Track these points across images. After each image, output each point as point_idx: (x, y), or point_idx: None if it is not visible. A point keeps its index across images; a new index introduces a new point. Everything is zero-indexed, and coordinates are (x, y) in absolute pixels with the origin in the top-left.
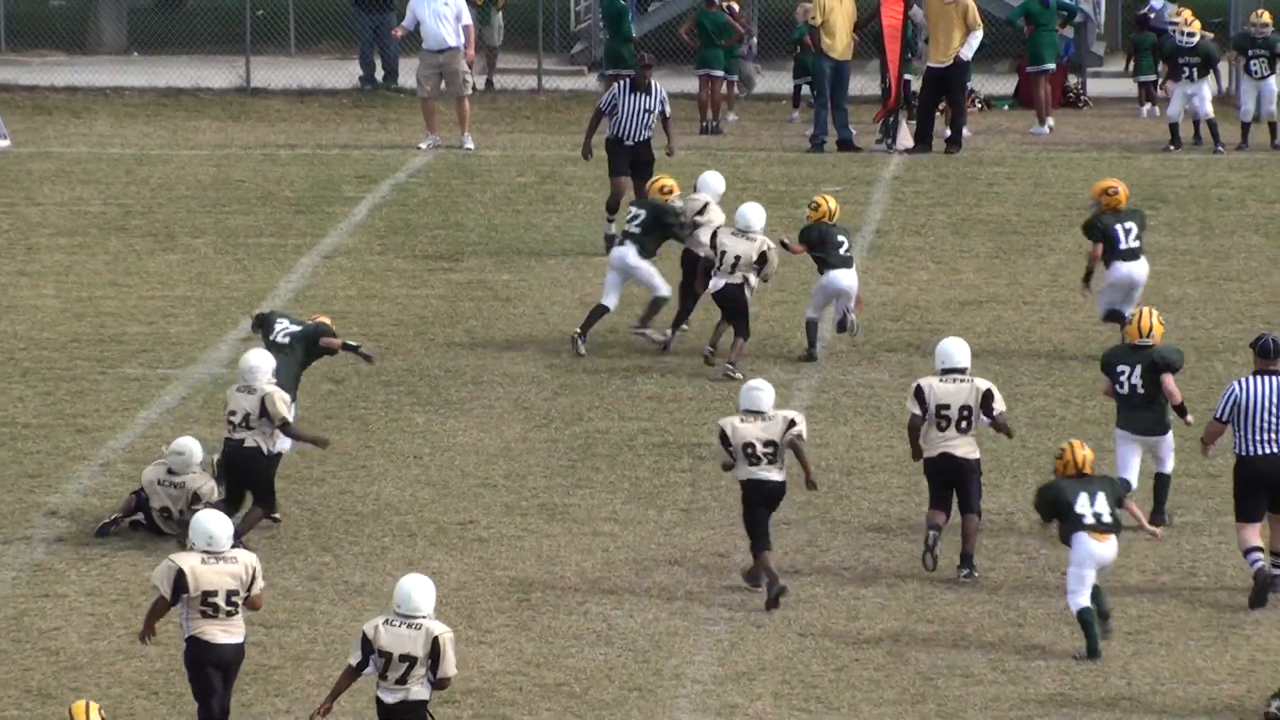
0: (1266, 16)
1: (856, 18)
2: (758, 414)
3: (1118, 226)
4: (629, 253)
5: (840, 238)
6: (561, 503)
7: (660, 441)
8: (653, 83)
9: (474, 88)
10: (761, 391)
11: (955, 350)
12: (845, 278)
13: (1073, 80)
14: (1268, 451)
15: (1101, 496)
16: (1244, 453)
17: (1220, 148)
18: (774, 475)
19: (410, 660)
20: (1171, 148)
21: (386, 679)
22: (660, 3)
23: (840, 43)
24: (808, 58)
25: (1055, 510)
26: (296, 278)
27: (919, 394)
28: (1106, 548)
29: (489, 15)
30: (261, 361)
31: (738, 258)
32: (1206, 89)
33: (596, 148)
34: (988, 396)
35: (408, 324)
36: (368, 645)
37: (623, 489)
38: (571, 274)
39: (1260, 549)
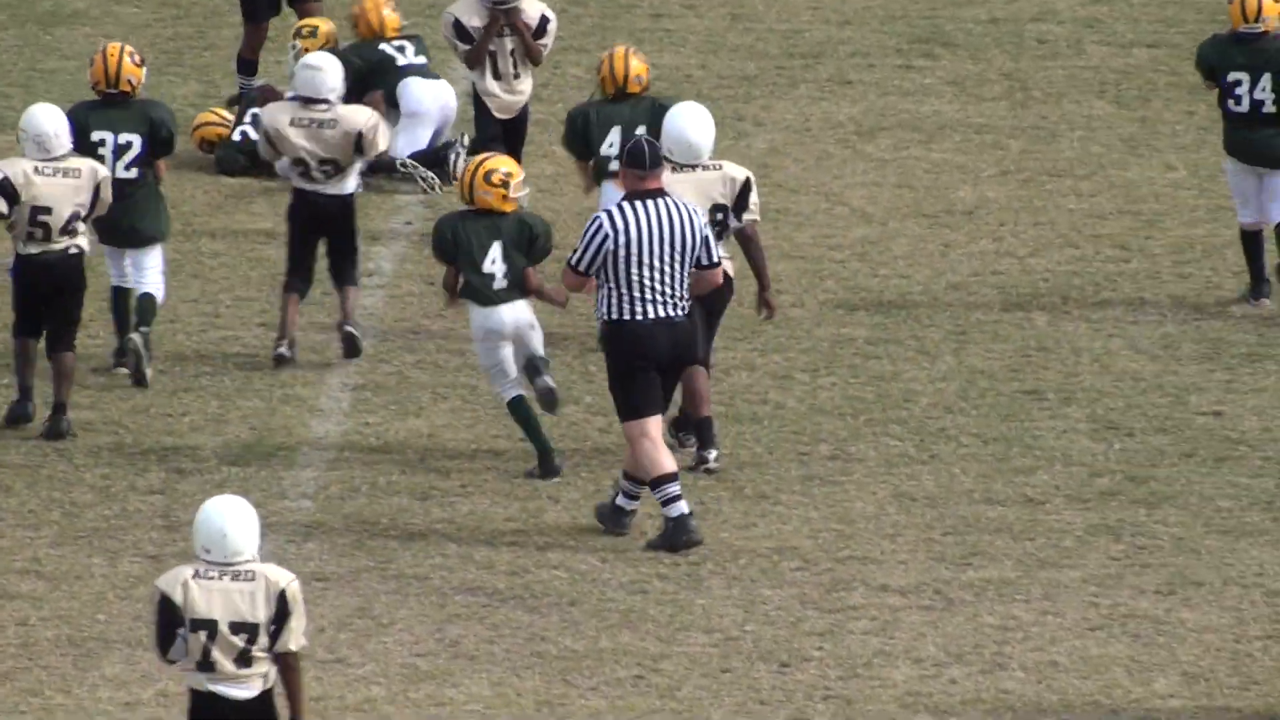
0: None
1: None
2: (318, 102)
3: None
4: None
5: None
6: None
7: (118, 442)
8: None
9: None
10: (324, 72)
11: (694, 131)
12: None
13: None
14: (662, 314)
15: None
16: (625, 316)
17: None
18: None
19: (249, 630)
20: None
21: (214, 666)
22: None
23: None
24: None
25: (581, 146)
26: None
27: None
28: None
29: None
30: (57, 123)
31: None
32: None
33: None
34: (745, 189)
35: None
36: (169, 615)
37: (52, 520)
38: None
39: (676, 477)
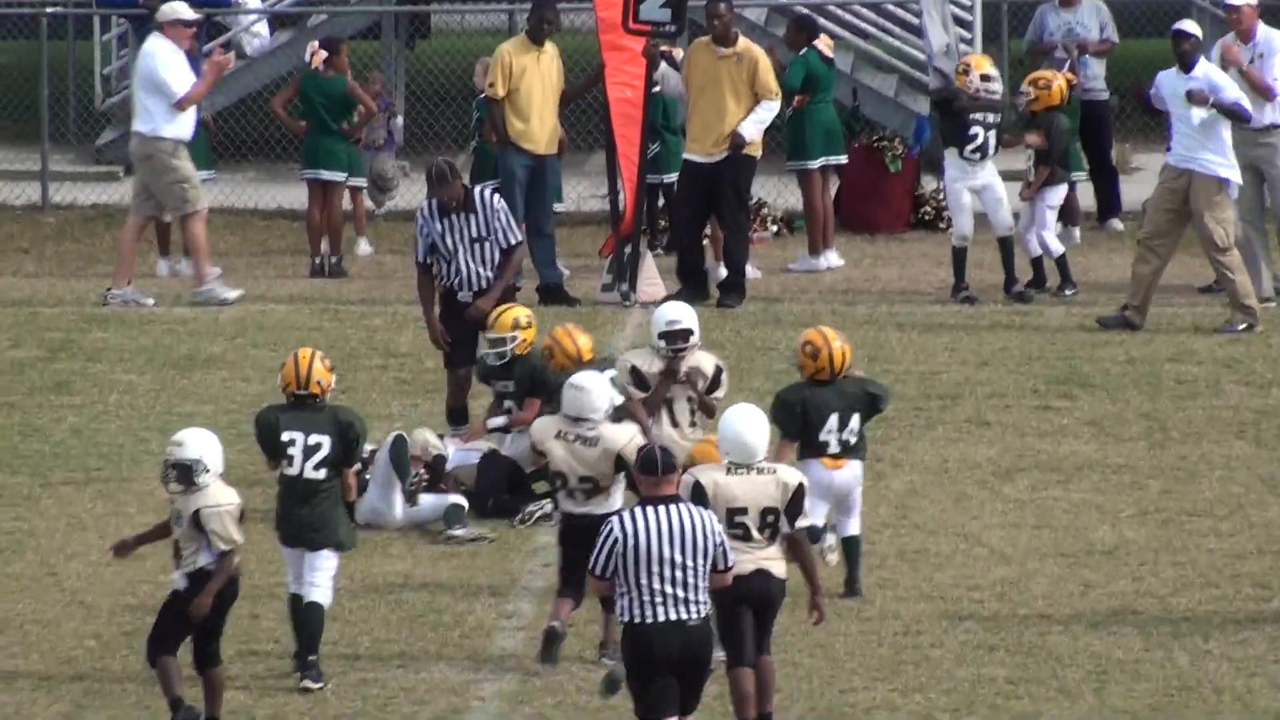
0: None
1: (566, 84)
2: (584, 420)
3: None
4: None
5: None
6: None
7: None
8: (475, 193)
9: None
10: (591, 393)
11: (749, 433)
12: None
13: (929, 186)
14: (673, 617)
15: (857, 417)
16: (637, 619)
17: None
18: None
19: None
20: (1052, 290)
21: None
22: (242, 61)
23: (540, 127)
24: (486, 147)
25: (798, 429)
26: None
27: (698, 494)
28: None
29: None
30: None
31: None
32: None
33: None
34: (798, 495)
35: None
36: None
37: None
38: (101, 508)
39: None
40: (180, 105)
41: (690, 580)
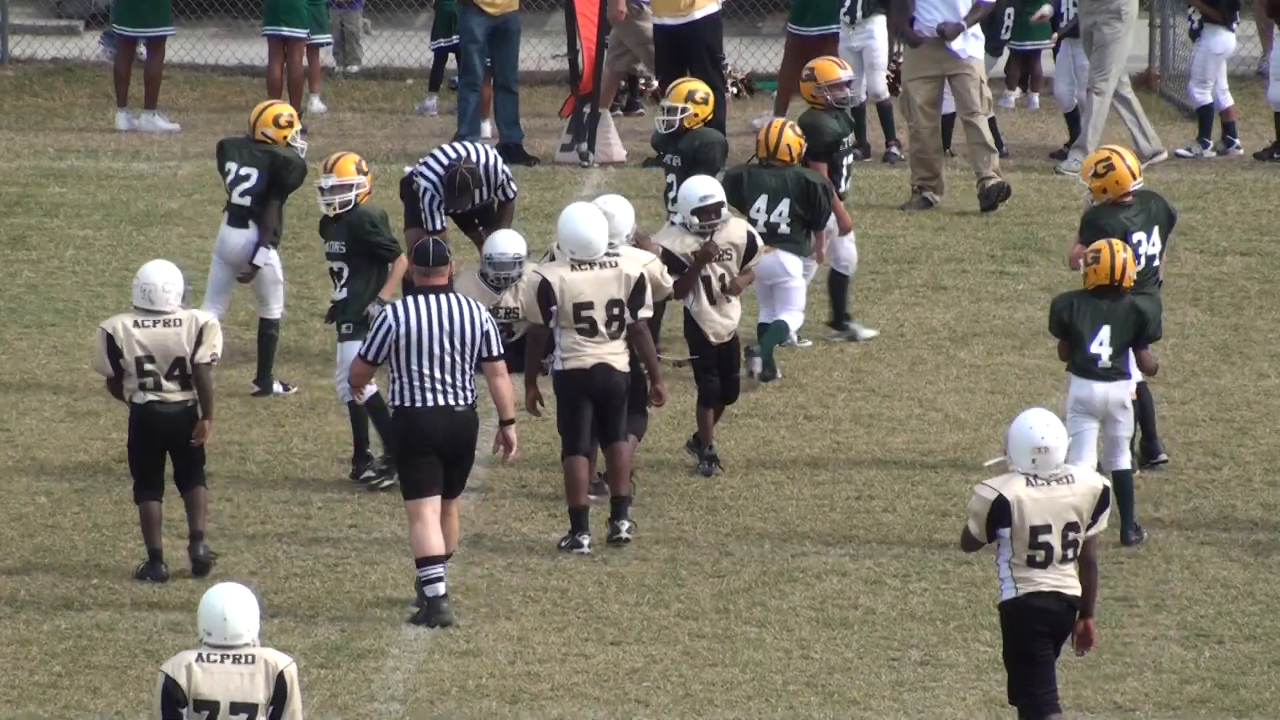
0: None
1: None
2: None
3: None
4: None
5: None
6: None
7: None
8: (479, 161)
9: None
10: (615, 218)
11: (587, 228)
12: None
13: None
14: (442, 403)
15: (787, 202)
16: (407, 403)
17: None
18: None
19: (248, 710)
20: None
21: None
22: None
23: None
24: (450, 4)
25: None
26: None
27: (545, 291)
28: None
29: None
30: (170, 277)
31: None
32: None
33: None
34: (640, 286)
35: None
36: (173, 697)
37: None
38: (56, 364)
39: (440, 560)
40: None
41: (458, 367)
